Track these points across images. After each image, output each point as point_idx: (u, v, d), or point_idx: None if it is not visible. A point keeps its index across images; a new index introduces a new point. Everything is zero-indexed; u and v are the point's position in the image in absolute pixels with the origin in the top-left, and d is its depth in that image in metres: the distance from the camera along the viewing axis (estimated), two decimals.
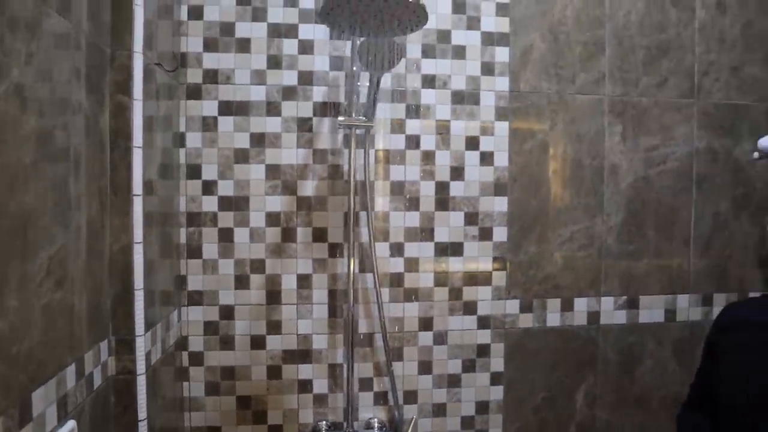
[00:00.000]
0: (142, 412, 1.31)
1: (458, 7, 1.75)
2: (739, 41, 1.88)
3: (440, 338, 1.78)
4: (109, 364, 1.27)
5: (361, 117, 1.63)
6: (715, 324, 1.29)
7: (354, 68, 1.66)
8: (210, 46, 1.67)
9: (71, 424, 1.03)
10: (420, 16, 1.26)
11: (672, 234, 1.88)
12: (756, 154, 1.74)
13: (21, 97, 0.88)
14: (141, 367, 1.30)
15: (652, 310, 1.88)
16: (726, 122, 1.88)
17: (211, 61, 1.67)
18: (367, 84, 1.68)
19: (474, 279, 1.79)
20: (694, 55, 1.86)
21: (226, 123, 1.68)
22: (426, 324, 1.77)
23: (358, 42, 1.56)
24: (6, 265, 0.84)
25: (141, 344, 1.30)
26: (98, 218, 1.21)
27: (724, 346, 1.24)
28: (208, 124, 1.68)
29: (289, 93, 1.70)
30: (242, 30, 1.68)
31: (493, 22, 1.77)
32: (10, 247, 0.86)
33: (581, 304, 1.84)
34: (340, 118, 1.62)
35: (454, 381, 1.79)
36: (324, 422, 1.73)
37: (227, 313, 1.69)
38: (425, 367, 1.78)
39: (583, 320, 1.84)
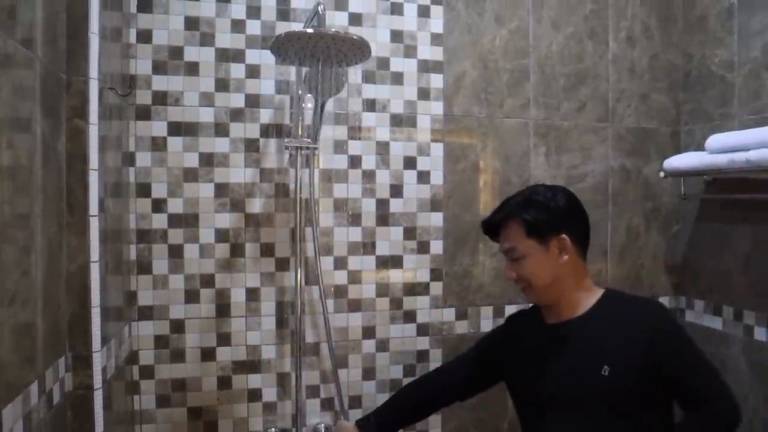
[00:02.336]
0: (100, 426, 1.36)
1: (396, 36, 1.89)
2: (647, 72, 2.10)
3: (382, 345, 1.90)
4: (67, 380, 1.31)
5: (306, 139, 1.73)
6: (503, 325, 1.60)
7: (299, 92, 1.76)
8: (159, 68, 1.73)
9: None
10: (364, 52, 1.38)
11: (591, 245, 2.05)
12: (662, 173, 1.96)
13: None
14: (98, 381, 1.35)
15: None
16: (636, 144, 2.10)
17: (160, 83, 1.73)
18: (311, 107, 1.78)
19: (413, 289, 1.92)
20: (608, 84, 2.07)
21: (175, 143, 1.74)
22: (369, 332, 1.88)
23: (305, 70, 1.66)
24: None
25: (98, 359, 1.35)
26: (56, 239, 1.25)
27: (511, 348, 1.50)
28: (158, 144, 1.74)
29: (236, 115, 1.78)
30: (191, 54, 1.75)
31: (428, 51, 1.91)
32: None
33: (511, 311, 1.99)
34: (287, 140, 1.72)
35: (396, 385, 1.90)
36: (273, 429, 1.80)
37: (178, 326, 1.75)
38: (369, 374, 1.89)
39: None
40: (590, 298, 1.37)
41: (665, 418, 1.31)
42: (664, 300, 2.14)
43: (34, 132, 1.14)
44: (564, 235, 1.33)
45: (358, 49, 1.37)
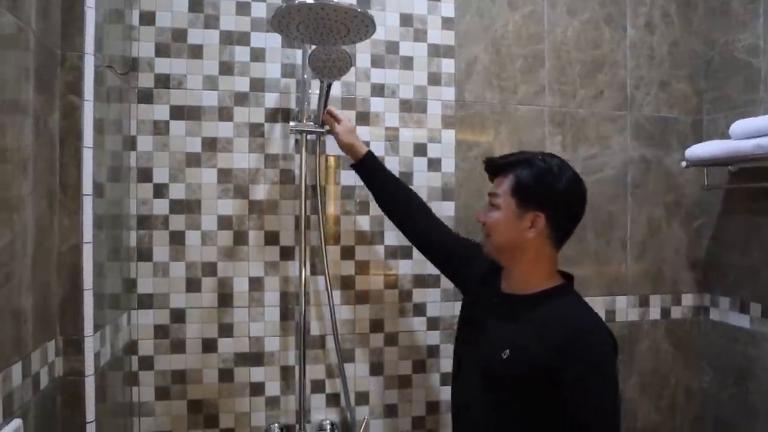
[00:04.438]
0: (90, 414, 1.30)
1: (406, 19, 1.83)
2: (667, 59, 2.02)
3: (391, 339, 1.82)
4: (57, 364, 1.25)
5: (311, 123, 1.68)
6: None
7: (305, 76, 1.71)
8: (162, 51, 1.69)
9: (17, 422, 1.01)
10: (368, 26, 1.32)
11: (610, 239, 1.98)
12: (684, 163, 1.87)
13: None
14: (90, 368, 1.29)
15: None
16: (656, 133, 2.01)
17: (163, 66, 1.69)
18: (318, 91, 1.73)
19: (423, 282, 1.84)
20: (626, 71, 1.99)
21: (177, 127, 1.70)
22: (377, 326, 1.81)
23: (309, 50, 1.61)
24: None
25: (90, 345, 1.29)
26: (47, 217, 1.20)
27: (471, 279, 1.51)
28: (160, 128, 1.69)
29: (241, 99, 1.73)
30: (194, 36, 1.71)
31: (439, 35, 1.85)
32: None
33: None
34: (292, 124, 1.67)
35: (404, 382, 1.83)
36: (276, 425, 1.73)
37: (178, 316, 1.69)
38: (376, 369, 1.81)
39: None
40: (543, 283, 1.29)
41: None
42: (687, 297, 2.04)
43: (23, 106, 1.09)
44: (541, 214, 1.26)
45: (362, 23, 1.31)
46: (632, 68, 2.00)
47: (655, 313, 2.01)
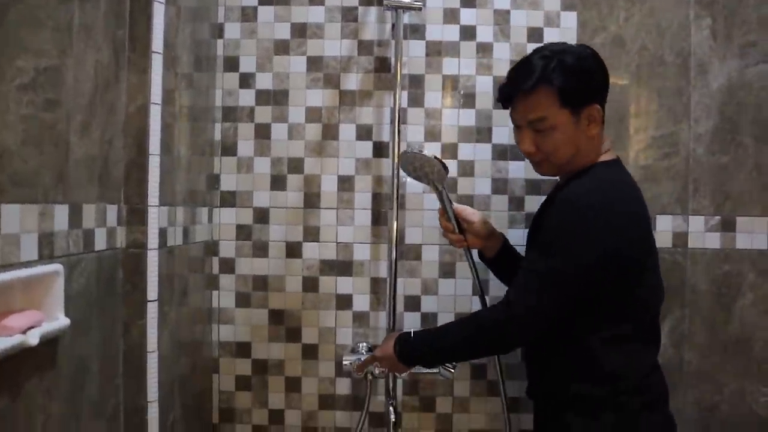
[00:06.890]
0: (153, 292, 1.17)
1: None
2: None
3: None
4: (119, 234, 1.14)
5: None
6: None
7: None
8: None
9: (56, 266, 0.88)
10: None
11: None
12: None
13: None
14: (153, 240, 1.17)
15: (752, 235, 1.59)
16: None
17: None
18: None
19: (538, 188, 1.58)
20: None
21: (265, 13, 1.58)
22: None
23: None
24: None
25: (154, 215, 1.17)
26: (112, 69, 1.10)
27: None
28: (248, 14, 1.58)
29: None
30: None
31: None
32: None
33: (665, 223, 1.58)
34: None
35: None
36: (364, 344, 1.53)
37: (261, 216, 1.56)
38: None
39: (667, 241, 1.57)
40: (593, 159, 1.23)
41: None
42: None
43: None
44: (597, 105, 1.19)
45: None
46: None
47: None
